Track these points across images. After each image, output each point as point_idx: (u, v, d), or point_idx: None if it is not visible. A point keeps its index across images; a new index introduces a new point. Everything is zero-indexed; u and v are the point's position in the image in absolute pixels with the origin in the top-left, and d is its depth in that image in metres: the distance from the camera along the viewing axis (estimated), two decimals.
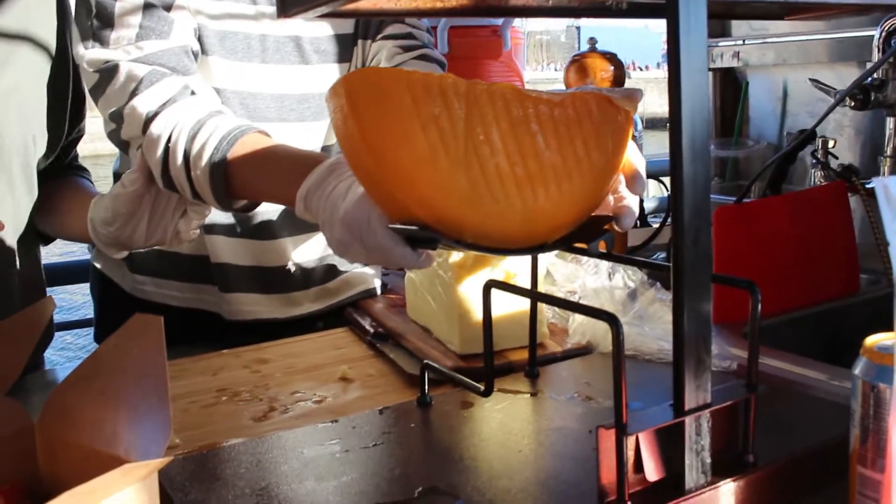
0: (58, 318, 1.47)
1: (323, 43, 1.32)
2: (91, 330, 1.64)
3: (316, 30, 1.30)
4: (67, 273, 1.81)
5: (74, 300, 5.36)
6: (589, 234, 0.80)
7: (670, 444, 0.69)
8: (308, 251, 1.38)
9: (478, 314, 1.03)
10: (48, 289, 1.39)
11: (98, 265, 1.42)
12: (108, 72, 1.10)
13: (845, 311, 1.37)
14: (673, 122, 0.64)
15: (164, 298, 1.36)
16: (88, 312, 1.46)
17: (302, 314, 1.39)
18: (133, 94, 1.08)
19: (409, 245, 0.78)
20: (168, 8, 1.13)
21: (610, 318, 0.64)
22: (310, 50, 1.30)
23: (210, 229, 1.30)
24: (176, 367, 1.15)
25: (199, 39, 1.20)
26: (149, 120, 1.07)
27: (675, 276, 0.66)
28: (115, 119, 1.11)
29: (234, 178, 1.03)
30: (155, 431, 0.70)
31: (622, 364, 0.64)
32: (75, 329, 1.98)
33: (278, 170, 0.99)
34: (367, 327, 1.23)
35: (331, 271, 1.42)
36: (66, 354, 4.99)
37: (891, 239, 0.51)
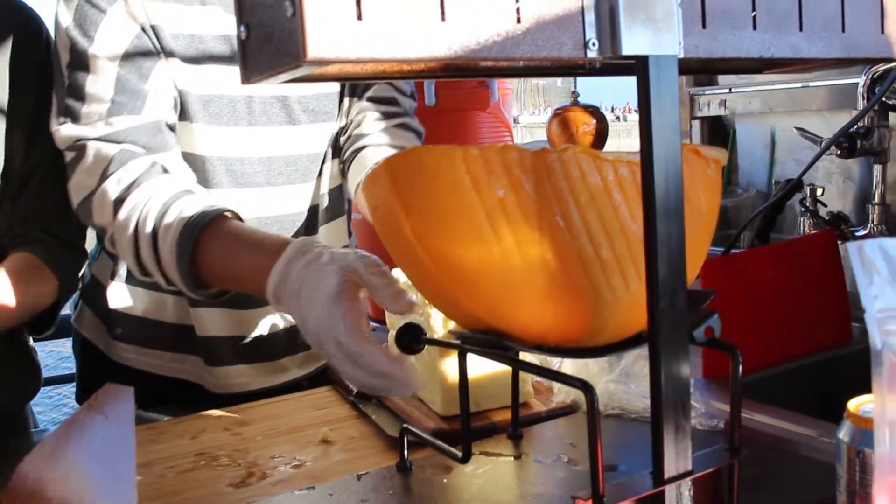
0: (46, 372, 1.44)
1: (311, 102, 1.30)
2: None
3: (303, 88, 1.29)
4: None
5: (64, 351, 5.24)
6: (692, 318, 0.69)
7: None
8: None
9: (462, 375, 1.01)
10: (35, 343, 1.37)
11: (78, 327, 1.39)
12: (77, 150, 1.08)
13: (838, 361, 1.35)
14: (645, 182, 0.62)
15: (146, 366, 1.33)
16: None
17: (288, 381, 1.37)
18: (103, 176, 1.06)
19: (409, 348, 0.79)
20: (146, 78, 1.11)
21: (584, 386, 0.62)
22: (298, 109, 1.28)
23: (195, 302, 1.27)
24: (155, 430, 1.13)
25: (182, 106, 1.17)
26: (117, 203, 1.05)
27: (652, 340, 0.64)
28: (87, 205, 1.09)
29: (202, 269, 1.01)
30: None
31: (597, 433, 0.62)
32: (66, 384, 1.95)
33: (246, 260, 0.96)
34: (351, 387, 1.21)
35: None
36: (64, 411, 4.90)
37: (867, 306, 0.50)
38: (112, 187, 1.05)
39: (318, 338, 0.81)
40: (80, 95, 1.08)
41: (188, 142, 1.18)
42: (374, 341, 0.81)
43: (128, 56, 1.10)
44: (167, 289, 1.09)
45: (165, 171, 1.08)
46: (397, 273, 0.89)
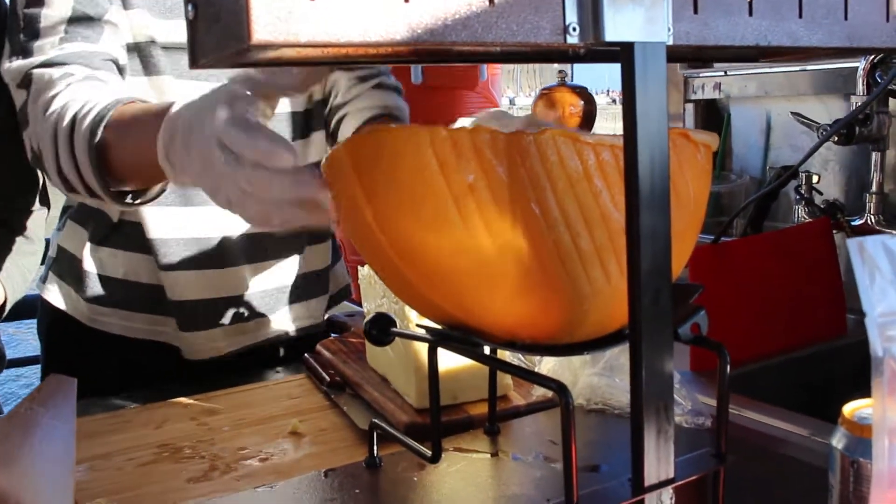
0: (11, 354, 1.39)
1: None
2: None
3: None
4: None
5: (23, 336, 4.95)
6: (678, 314, 0.64)
7: None
8: (269, 278, 1.32)
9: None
10: None
11: (48, 297, 1.34)
12: (25, 86, 1.03)
13: (832, 354, 1.31)
14: (629, 173, 0.57)
15: (122, 330, 1.29)
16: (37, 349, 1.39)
17: (262, 341, 1.33)
18: (37, 98, 1.01)
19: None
20: (100, 19, 1.07)
21: (558, 388, 0.58)
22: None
23: (167, 266, 1.23)
24: (119, 419, 1.08)
25: (149, 58, 1.14)
26: (44, 109, 0.99)
27: (633, 340, 0.59)
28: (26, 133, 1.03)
29: (113, 163, 0.93)
30: None
31: (572, 438, 0.57)
32: (27, 366, 1.89)
33: (137, 131, 0.87)
34: (324, 375, 1.16)
35: (293, 293, 1.36)
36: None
37: (867, 309, 0.45)
38: (43, 100, 1.00)
39: (206, 178, 0.70)
40: (33, 31, 1.05)
41: (157, 97, 1.14)
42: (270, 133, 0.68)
43: None
44: (92, 203, 1.03)
45: (107, 84, 1.04)
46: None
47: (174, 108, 0.78)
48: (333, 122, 1.31)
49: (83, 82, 1.01)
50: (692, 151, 0.66)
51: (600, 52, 0.75)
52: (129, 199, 0.97)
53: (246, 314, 1.32)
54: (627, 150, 0.57)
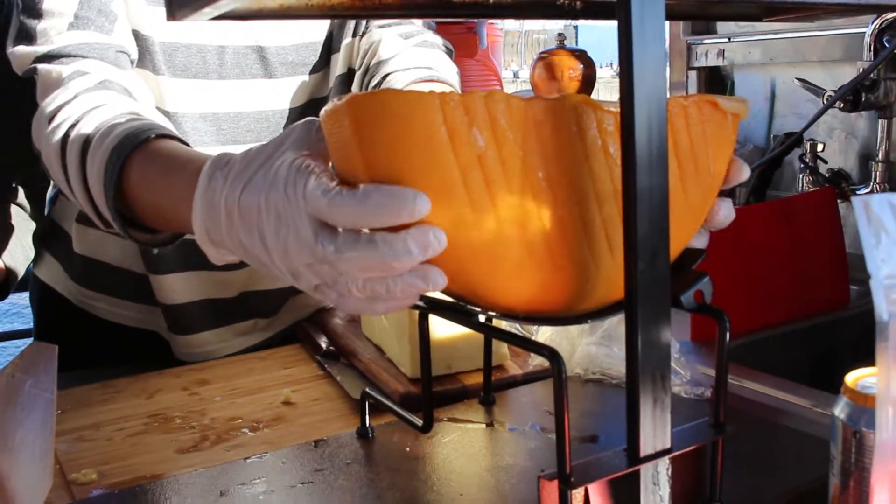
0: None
1: (290, 53, 1.18)
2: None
3: (282, 38, 1.17)
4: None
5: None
6: (680, 282, 0.62)
7: (625, 493, 0.61)
8: (267, 280, 1.25)
9: (432, 335, 0.95)
10: None
11: (39, 274, 1.32)
12: (30, 72, 0.96)
13: (834, 325, 1.29)
14: (625, 130, 0.55)
15: (112, 316, 1.24)
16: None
17: (257, 342, 1.28)
18: (45, 95, 0.93)
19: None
20: (109, 3, 0.99)
21: (551, 355, 0.56)
22: (275, 62, 1.16)
23: (153, 267, 1.17)
24: (110, 389, 1.06)
25: (144, 55, 1.06)
26: (51, 117, 0.90)
27: (629, 306, 0.57)
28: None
29: (130, 200, 0.82)
30: (34, 481, 0.62)
31: (564, 407, 0.55)
32: (17, 339, 1.87)
33: (166, 185, 0.76)
34: (320, 344, 1.14)
35: (290, 293, 1.30)
36: None
37: (872, 271, 0.43)
38: (49, 104, 0.91)
39: (289, 261, 0.58)
40: (36, 11, 0.96)
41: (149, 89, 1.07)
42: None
43: None
44: (105, 231, 0.93)
45: (126, 91, 0.94)
46: None
47: (206, 178, 0.64)
48: (373, 82, 1.17)
49: (94, 92, 0.91)
50: (720, 121, 0.62)
51: (596, 6, 0.73)
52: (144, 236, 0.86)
53: (244, 316, 1.26)
54: (624, 107, 0.54)
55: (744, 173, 0.66)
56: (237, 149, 0.81)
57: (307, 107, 1.22)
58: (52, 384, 0.65)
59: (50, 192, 1.31)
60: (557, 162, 0.55)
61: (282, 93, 1.19)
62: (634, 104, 0.54)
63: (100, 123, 0.85)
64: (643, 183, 0.55)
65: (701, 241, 0.67)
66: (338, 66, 1.21)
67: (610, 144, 0.56)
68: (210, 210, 0.62)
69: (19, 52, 0.98)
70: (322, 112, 0.58)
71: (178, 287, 1.18)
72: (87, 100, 0.89)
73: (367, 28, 1.19)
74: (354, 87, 1.21)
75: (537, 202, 0.55)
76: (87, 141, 0.84)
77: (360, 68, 1.20)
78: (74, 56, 0.96)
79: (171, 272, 1.17)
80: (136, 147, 0.80)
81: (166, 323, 1.22)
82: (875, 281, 0.44)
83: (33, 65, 0.97)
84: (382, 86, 1.12)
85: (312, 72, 1.21)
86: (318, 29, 1.20)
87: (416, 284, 0.54)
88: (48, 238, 1.30)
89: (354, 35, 1.21)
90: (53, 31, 0.97)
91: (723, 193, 0.66)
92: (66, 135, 0.87)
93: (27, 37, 0.98)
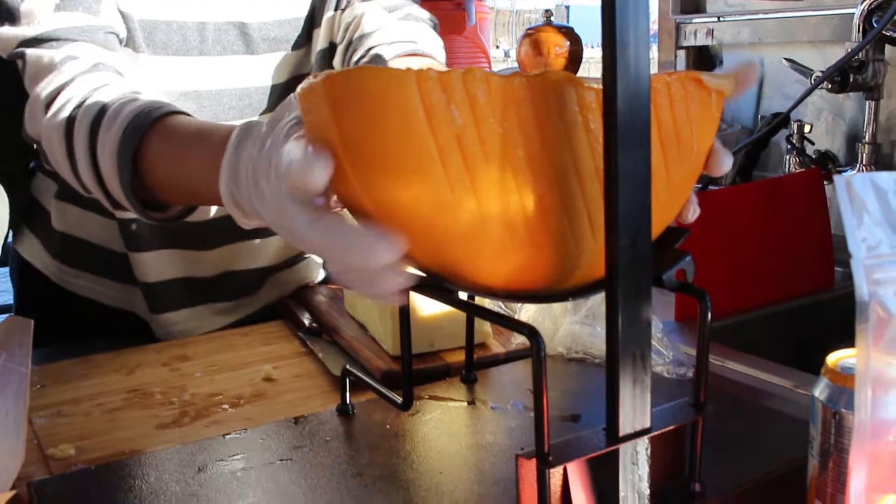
0: None
1: (272, 28, 1.16)
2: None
3: (264, 13, 1.15)
4: None
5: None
6: (662, 260, 0.62)
7: (604, 473, 0.60)
8: (249, 259, 1.25)
9: (414, 312, 0.94)
10: None
11: (18, 248, 1.30)
12: (15, 56, 0.95)
13: (818, 306, 1.29)
14: (607, 106, 0.54)
15: (93, 294, 1.23)
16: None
17: (237, 319, 1.27)
18: (35, 82, 0.92)
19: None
20: None
21: (529, 333, 0.55)
22: (257, 37, 1.15)
23: (135, 246, 1.16)
24: (89, 364, 1.05)
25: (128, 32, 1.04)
26: (48, 102, 0.89)
27: (609, 284, 0.56)
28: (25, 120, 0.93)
29: (147, 177, 0.83)
30: (6, 455, 0.61)
31: (543, 386, 0.55)
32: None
33: (190, 158, 0.77)
34: (303, 320, 1.14)
35: (273, 271, 1.29)
36: None
37: (853, 251, 0.42)
38: (45, 88, 0.90)
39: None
40: None
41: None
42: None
43: None
44: (113, 211, 0.93)
45: (118, 73, 0.93)
46: None
47: (234, 144, 0.64)
48: (354, 58, 1.14)
49: (91, 74, 0.91)
50: (704, 98, 0.61)
51: None
52: (159, 214, 0.87)
53: (224, 296, 1.25)
54: (606, 83, 0.54)
55: (725, 165, 0.64)
56: None
57: (290, 83, 1.20)
58: (26, 358, 0.64)
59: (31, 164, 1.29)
60: (538, 140, 0.54)
61: (264, 69, 1.17)
62: (617, 80, 0.53)
63: (108, 102, 0.85)
64: (625, 161, 0.54)
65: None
66: (319, 40, 1.20)
67: (591, 121, 0.55)
68: (234, 175, 0.63)
69: (2, 33, 0.96)
70: (297, 90, 0.56)
71: (156, 264, 1.17)
72: (87, 81, 0.89)
73: (349, 1, 1.17)
74: (336, 62, 1.19)
75: (517, 181, 0.54)
76: (96, 120, 0.84)
77: (342, 42, 1.17)
78: (63, 40, 0.94)
79: (150, 249, 1.16)
80: (153, 123, 0.81)
81: (146, 302, 1.20)
82: (856, 261, 0.44)
83: (20, 49, 0.95)
84: (365, 60, 1.11)
85: (295, 47, 1.19)
86: (300, 4, 1.18)
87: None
88: (28, 213, 1.28)
89: (336, 9, 1.18)
90: (39, 11, 0.95)
91: (709, 178, 0.66)
92: (72, 116, 0.86)
93: (10, 17, 0.96)
